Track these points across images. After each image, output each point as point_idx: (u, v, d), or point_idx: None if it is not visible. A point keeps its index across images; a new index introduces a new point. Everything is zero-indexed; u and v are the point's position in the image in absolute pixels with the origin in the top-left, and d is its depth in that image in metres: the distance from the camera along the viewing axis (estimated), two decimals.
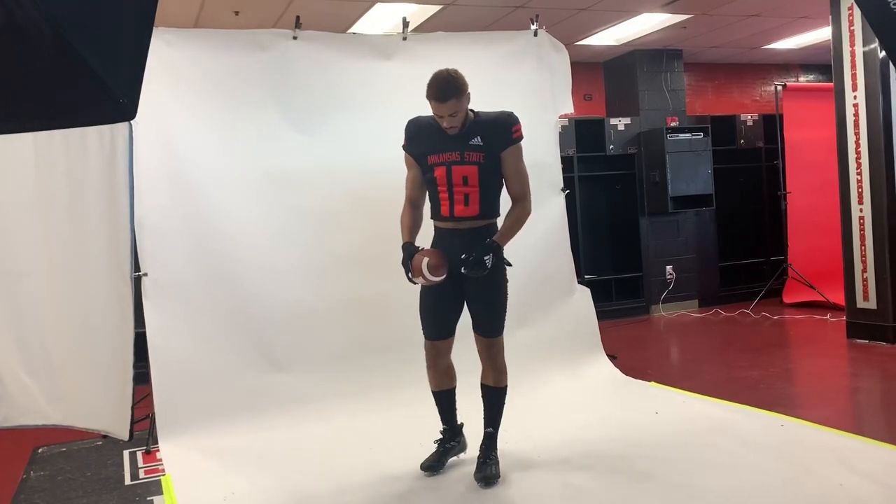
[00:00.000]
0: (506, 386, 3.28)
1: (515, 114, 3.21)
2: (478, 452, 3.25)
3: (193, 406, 4.00)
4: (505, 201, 3.28)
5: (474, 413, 3.32)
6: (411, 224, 3.27)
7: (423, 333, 3.29)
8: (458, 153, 3.12)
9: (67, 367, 3.96)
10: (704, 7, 6.37)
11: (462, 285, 3.18)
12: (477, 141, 3.12)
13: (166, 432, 3.89)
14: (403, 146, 3.29)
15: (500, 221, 3.26)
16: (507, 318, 3.25)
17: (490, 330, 3.20)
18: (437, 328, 3.26)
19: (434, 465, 3.29)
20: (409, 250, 3.17)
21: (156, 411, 3.94)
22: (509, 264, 3.21)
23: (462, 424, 3.42)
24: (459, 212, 3.15)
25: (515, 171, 3.20)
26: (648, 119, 7.75)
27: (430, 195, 3.27)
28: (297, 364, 4.32)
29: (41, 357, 3.98)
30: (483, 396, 3.28)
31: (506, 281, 3.22)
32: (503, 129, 3.16)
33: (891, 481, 2.91)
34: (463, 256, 3.04)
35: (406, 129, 3.28)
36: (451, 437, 3.38)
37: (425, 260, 3.06)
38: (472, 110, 3.17)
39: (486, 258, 3.03)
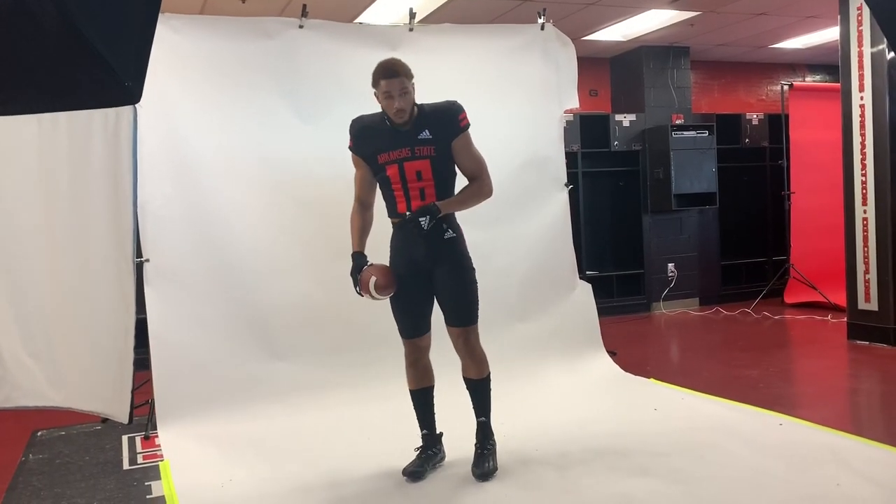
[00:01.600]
0: (489, 374, 3.23)
1: (460, 102, 3.14)
2: (475, 442, 3.23)
3: (193, 393, 4.00)
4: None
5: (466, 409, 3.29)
6: (361, 228, 3.20)
7: (400, 334, 3.24)
8: (409, 149, 3.06)
9: (69, 349, 3.97)
10: (712, 5, 6.34)
11: (430, 280, 3.15)
12: (426, 134, 3.06)
13: (165, 418, 3.90)
14: (350, 147, 3.20)
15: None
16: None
17: (463, 319, 3.14)
18: (413, 326, 3.21)
19: (416, 472, 3.16)
20: (359, 262, 3.12)
21: (155, 397, 3.95)
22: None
23: (441, 434, 3.33)
24: (417, 207, 3.09)
25: (469, 157, 3.15)
26: (653, 116, 7.73)
27: (383, 194, 3.19)
28: (297, 353, 4.32)
29: (43, 339, 4.00)
30: (469, 390, 3.23)
31: (472, 269, 3.18)
32: (450, 119, 3.10)
33: (888, 482, 2.92)
34: (408, 214, 3.03)
35: (351, 130, 3.20)
36: (433, 444, 3.28)
37: (373, 279, 3.04)
38: (416, 104, 3.09)
39: (421, 219, 3.01)
